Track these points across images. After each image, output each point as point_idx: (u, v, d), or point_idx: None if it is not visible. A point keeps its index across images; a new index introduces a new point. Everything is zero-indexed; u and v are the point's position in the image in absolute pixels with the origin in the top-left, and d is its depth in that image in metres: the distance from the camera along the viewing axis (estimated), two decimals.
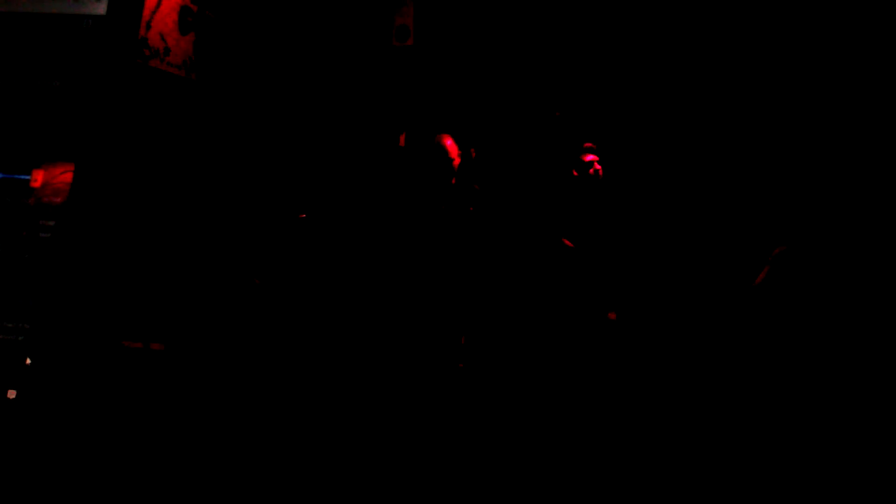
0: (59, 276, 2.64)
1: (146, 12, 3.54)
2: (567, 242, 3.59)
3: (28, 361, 2.52)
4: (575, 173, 3.85)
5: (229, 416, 3.11)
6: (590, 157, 3.83)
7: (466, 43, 4.73)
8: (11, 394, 2.47)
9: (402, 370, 3.28)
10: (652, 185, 4.38)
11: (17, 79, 2.81)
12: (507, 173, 4.59)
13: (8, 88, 2.80)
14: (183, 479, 2.52)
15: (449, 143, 3.34)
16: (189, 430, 2.92)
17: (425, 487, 2.59)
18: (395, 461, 2.73)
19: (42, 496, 2.36)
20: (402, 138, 4.84)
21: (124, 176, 3.60)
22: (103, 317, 3.24)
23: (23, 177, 2.74)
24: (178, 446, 2.75)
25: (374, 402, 3.31)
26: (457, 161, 3.36)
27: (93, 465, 2.54)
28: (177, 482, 2.50)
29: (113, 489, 2.44)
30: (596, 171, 3.83)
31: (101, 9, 2.86)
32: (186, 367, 3.55)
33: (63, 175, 2.83)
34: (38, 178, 2.74)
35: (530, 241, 4.00)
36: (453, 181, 3.36)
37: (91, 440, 2.68)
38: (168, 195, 4.06)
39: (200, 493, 2.46)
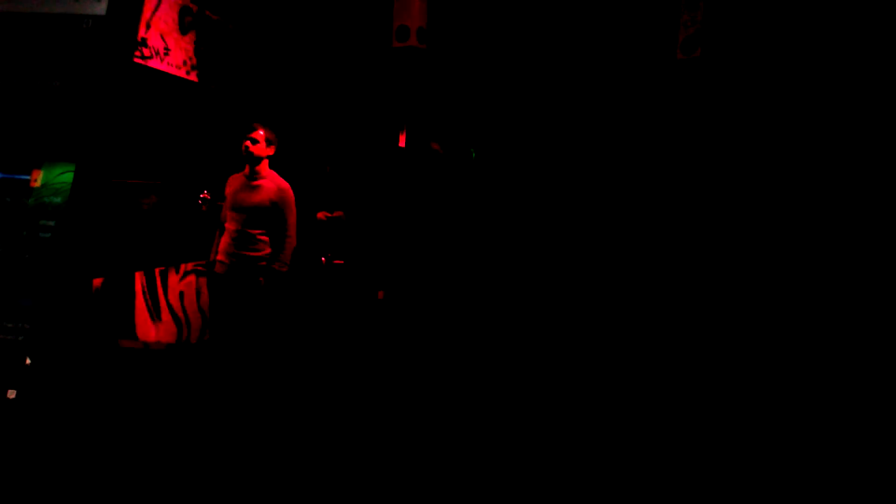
0: (59, 276, 2.64)
1: (146, 12, 3.54)
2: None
3: (28, 361, 2.52)
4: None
5: (235, 414, 3.11)
6: None
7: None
8: (11, 394, 2.47)
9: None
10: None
11: (17, 79, 2.81)
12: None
13: (8, 88, 2.80)
14: (184, 478, 2.53)
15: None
16: (190, 429, 2.92)
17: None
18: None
19: (42, 496, 2.36)
20: (402, 137, 4.85)
21: (125, 176, 3.60)
22: (103, 316, 3.24)
23: (23, 177, 2.74)
24: (179, 445, 2.75)
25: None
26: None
27: (93, 465, 2.54)
28: (177, 482, 2.50)
29: (113, 489, 2.44)
30: None
31: (101, 9, 2.86)
32: (189, 366, 3.55)
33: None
34: (37, 177, 2.74)
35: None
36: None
37: (91, 440, 2.68)
38: (169, 195, 4.06)
39: (201, 492, 2.46)
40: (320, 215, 4.24)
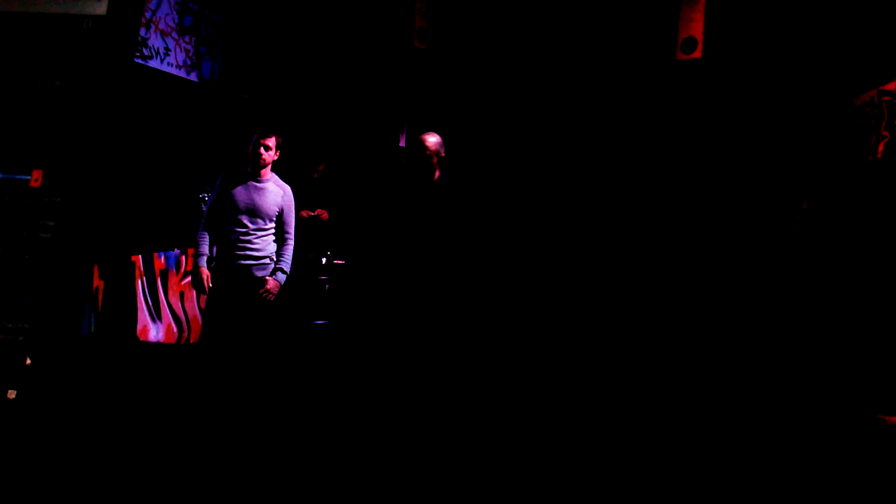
0: (60, 276, 2.64)
1: (146, 12, 3.54)
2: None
3: (28, 361, 2.52)
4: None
5: (233, 415, 3.11)
6: None
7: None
8: (11, 394, 2.47)
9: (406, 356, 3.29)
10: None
11: (17, 79, 2.81)
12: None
13: (8, 88, 2.80)
14: (185, 479, 2.52)
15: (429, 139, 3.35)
16: (191, 429, 2.92)
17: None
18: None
19: (42, 496, 2.36)
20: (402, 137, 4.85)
21: (124, 176, 3.60)
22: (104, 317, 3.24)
23: (23, 177, 2.74)
24: (180, 446, 2.75)
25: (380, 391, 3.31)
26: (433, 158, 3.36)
27: (93, 465, 2.54)
28: (179, 483, 2.50)
29: (113, 489, 2.44)
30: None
31: (101, 9, 2.86)
32: (189, 366, 3.55)
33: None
34: (37, 178, 2.74)
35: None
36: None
37: (91, 440, 2.68)
38: (167, 193, 4.06)
39: (202, 493, 2.45)
40: (303, 213, 4.24)
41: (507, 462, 2.73)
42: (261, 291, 3.51)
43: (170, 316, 4.00)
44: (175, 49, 3.94)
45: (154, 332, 3.87)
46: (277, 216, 3.56)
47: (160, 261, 4.04)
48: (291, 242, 3.60)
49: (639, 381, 3.65)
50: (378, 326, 3.70)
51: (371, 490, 2.48)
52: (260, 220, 3.53)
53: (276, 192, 3.55)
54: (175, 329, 4.05)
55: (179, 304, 4.09)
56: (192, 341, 4.15)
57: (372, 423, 3.11)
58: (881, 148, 3.41)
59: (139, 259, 3.83)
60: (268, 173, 3.58)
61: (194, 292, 4.20)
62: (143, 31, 3.54)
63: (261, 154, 3.47)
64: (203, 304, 4.13)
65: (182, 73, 3.98)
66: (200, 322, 4.23)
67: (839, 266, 3.58)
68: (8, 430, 2.44)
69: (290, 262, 3.57)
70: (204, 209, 3.73)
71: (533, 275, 4.31)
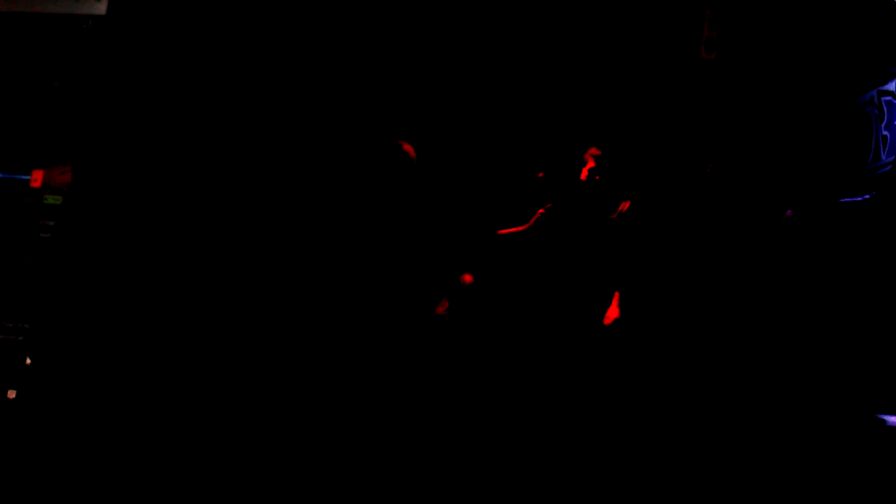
0: (59, 276, 2.64)
1: None
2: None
3: (28, 361, 2.52)
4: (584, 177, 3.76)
5: (231, 416, 3.11)
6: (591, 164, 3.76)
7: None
8: (11, 394, 2.47)
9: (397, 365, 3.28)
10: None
11: (17, 79, 2.81)
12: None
13: (8, 88, 2.80)
14: (185, 479, 2.52)
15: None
16: (191, 429, 2.92)
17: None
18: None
19: (42, 496, 2.36)
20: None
21: (123, 176, 3.59)
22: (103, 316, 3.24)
23: (23, 177, 2.74)
24: (180, 446, 2.75)
25: (371, 398, 3.31)
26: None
27: (93, 466, 2.54)
28: (179, 483, 2.50)
29: (113, 490, 2.44)
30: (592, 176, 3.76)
31: (101, 9, 2.86)
32: (187, 368, 3.55)
33: (62, 176, 2.82)
34: (37, 178, 2.74)
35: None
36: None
37: (91, 441, 2.68)
38: (165, 194, 4.05)
39: (203, 493, 2.45)
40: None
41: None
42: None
43: None
44: None
45: None
46: None
47: None
48: None
49: (636, 380, 3.65)
50: None
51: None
52: None
53: None
54: None
55: None
56: None
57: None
58: None
59: None
60: None
61: None
62: None
63: None
64: None
65: None
66: None
67: (837, 265, 3.57)
68: (8, 430, 2.44)
69: None
70: None
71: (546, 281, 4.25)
